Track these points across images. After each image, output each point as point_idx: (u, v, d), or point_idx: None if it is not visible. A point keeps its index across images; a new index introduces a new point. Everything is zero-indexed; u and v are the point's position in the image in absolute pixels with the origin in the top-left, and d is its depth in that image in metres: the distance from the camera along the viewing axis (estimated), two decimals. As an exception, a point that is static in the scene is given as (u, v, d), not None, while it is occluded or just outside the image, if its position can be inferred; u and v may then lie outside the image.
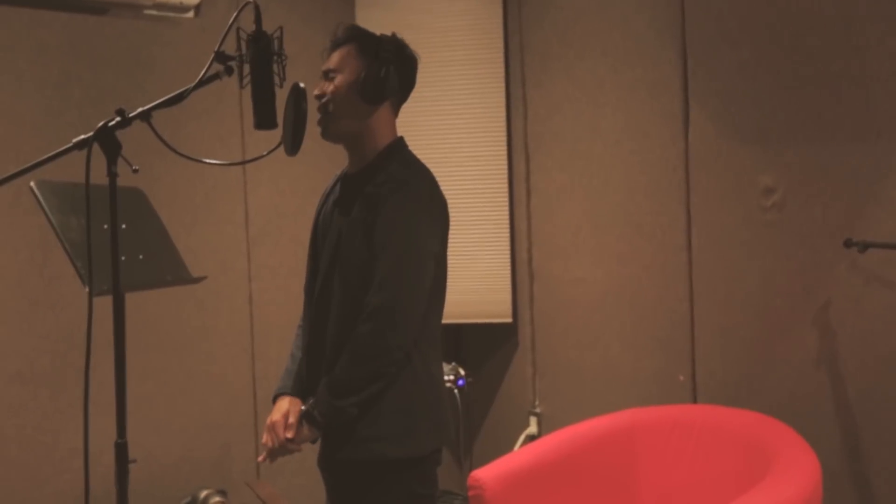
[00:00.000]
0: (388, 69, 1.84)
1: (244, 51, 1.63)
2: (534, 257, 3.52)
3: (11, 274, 2.96)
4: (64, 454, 2.99)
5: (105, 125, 1.58)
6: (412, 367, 1.81)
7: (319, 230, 1.97)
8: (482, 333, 3.72)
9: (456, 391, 3.29)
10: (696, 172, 2.83)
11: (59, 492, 2.97)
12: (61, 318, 2.98)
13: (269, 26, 1.61)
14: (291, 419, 1.82)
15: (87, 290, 1.69)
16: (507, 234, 3.57)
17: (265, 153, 1.78)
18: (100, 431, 1.74)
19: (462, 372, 3.18)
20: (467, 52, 3.58)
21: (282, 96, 1.69)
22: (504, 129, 3.57)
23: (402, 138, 1.95)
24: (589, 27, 3.22)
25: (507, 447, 3.51)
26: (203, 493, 2.84)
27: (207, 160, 1.75)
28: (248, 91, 1.63)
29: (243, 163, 1.88)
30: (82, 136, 1.58)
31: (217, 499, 2.82)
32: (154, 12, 3.21)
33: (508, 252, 3.57)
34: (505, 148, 3.57)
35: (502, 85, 3.56)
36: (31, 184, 2.04)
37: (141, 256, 2.26)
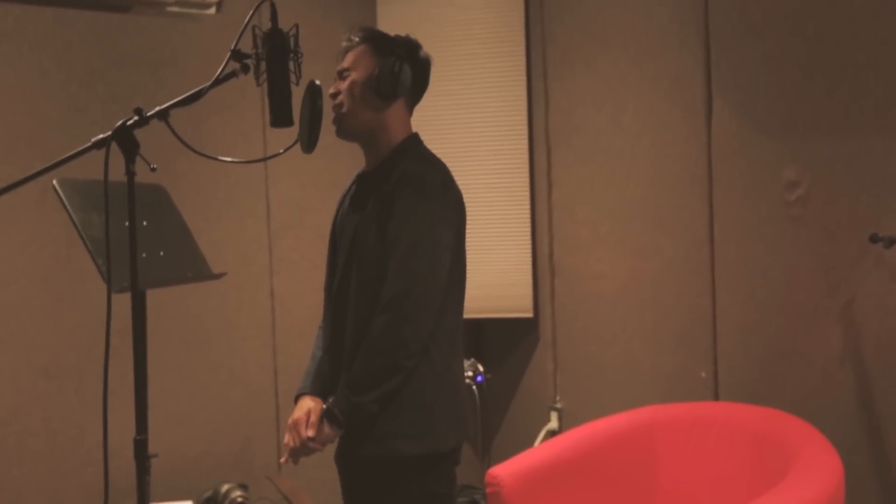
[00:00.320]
0: (402, 65, 1.85)
1: (260, 48, 1.64)
2: (555, 252, 3.50)
3: (37, 270, 3.01)
4: (90, 447, 3.03)
5: (123, 124, 1.59)
6: (430, 361, 1.80)
7: (337, 230, 1.98)
8: (503, 328, 3.71)
9: (474, 387, 3.29)
10: (719, 166, 2.79)
11: (85, 484, 3.02)
12: (86, 313, 3.02)
13: (289, 21, 1.61)
14: (313, 418, 1.81)
15: (110, 286, 1.70)
16: (529, 229, 3.56)
17: (282, 151, 1.79)
18: (124, 426, 1.75)
19: (481, 368, 3.18)
20: (488, 45, 3.56)
21: (298, 94, 1.69)
22: (525, 122, 3.55)
23: (416, 134, 1.95)
24: (611, 19, 3.18)
25: (528, 442, 3.50)
26: (224, 487, 2.87)
27: (223, 158, 1.76)
28: (267, 88, 1.63)
29: (260, 160, 1.90)
30: (101, 136, 1.59)
31: (238, 493, 2.85)
32: (176, 9, 3.23)
33: (530, 247, 3.56)
34: (526, 142, 3.55)
35: (524, 78, 3.54)
36: (54, 182, 2.07)
37: (162, 253, 2.28)
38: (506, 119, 3.56)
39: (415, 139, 1.94)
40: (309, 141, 1.78)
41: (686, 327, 2.92)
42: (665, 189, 2.99)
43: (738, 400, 2.68)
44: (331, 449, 2.00)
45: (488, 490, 2.30)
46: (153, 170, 1.62)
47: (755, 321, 2.68)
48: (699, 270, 2.86)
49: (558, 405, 3.49)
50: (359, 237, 1.86)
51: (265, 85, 1.63)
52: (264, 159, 1.92)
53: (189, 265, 2.35)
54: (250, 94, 3.28)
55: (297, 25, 1.65)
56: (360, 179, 1.97)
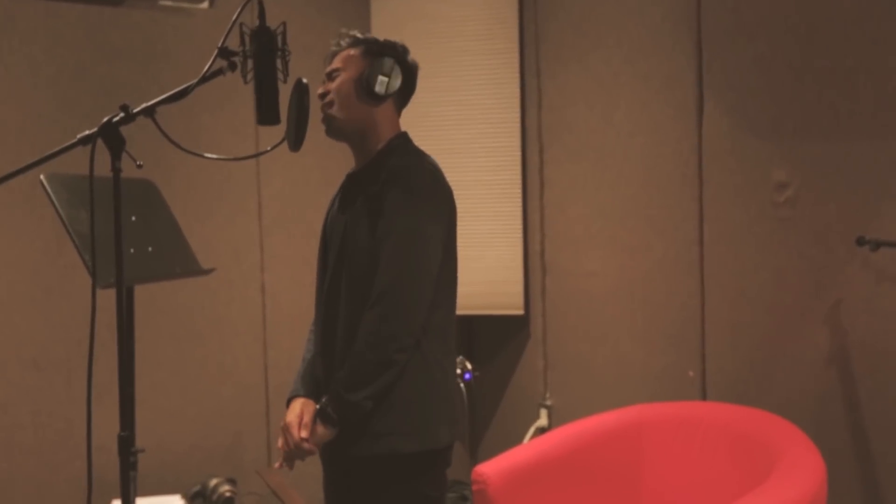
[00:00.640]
0: (394, 66, 1.85)
1: (247, 46, 1.63)
2: (546, 250, 3.50)
3: (27, 263, 3.00)
4: (78, 441, 3.03)
5: (109, 121, 1.59)
6: (423, 358, 1.79)
7: (328, 230, 1.97)
8: (494, 325, 3.72)
9: (462, 385, 3.30)
10: (710, 166, 2.79)
11: (74, 477, 3.03)
12: (76, 307, 3.02)
13: (283, 16, 1.60)
14: (306, 419, 1.79)
15: (95, 282, 1.70)
16: (521, 226, 3.56)
17: (269, 149, 1.78)
18: (114, 420, 1.74)
19: (469, 366, 3.18)
20: (482, 42, 3.56)
21: (286, 91, 1.69)
22: (518, 120, 3.55)
23: (405, 133, 1.95)
24: (604, 17, 3.18)
25: (518, 439, 3.51)
26: (213, 482, 2.87)
27: (208, 155, 1.75)
28: (257, 84, 1.63)
29: (246, 158, 1.89)
30: (86, 132, 1.58)
31: (226, 487, 2.85)
32: (169, 3, 3.22)
33: (521, 244, 3.56)
34: (519, 139, 3.55)
35: (517, 75, 3.54)
36: (42, 177, 2.07)
37: (150, 249, 2.28)
38: (499, 116, 3.56)
39: (403, 137, 1.94)
40: (296, 139, 1.78)
41: (675, 327, 2.92)
42: (656, 188, 2.99)
43: (726, 399, 2.69)
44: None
45: (474, 488, 2.30)
46: (139, 166, 1.62)
47: (743, 321, 2.69)
48: (689, 270, 2.87)
49: (548, 402, 3.50)
50: (348, 236, 1.85)
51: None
52: (250, 157, 1.91)
53: (178, 261, 2.35)
54: (242, 90, 3.23)
55: (284, 23, 1.65)
56: (350, 179, 1.97)
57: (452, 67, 3.53)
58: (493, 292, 3.58)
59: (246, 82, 1.66)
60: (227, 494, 2.85)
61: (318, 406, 1.79)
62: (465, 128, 3.57)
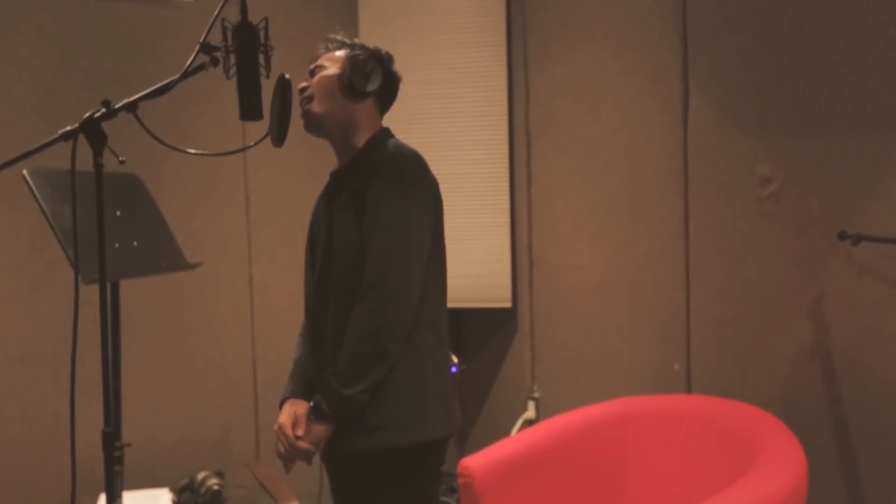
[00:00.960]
0: (375, 64, 1.84)
1: (229, 41, 1.63)
2: (534, 243, 3.51)
3: (12, 257, 2.99)
4: (66, 435, 3.02)
5: (90, 117, 1.58)
6: (415, 350, 1.77)
7: (314, 229, 1.96)
8: (482, 318, 3.73)
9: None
10: (695, 160, 2.81)
11: (61, 471, 3.03)
12: (62, 301, 3.01)
13: (269, 10, 1.59)
14: (299, 418, 1.77)
15: (78, 278, 1.69)
16: (508, 219, 3.56)
17: (252, 144, 1.78)
18: (101, 414, 1.74)
19: (455, 359, 3.18)
20: (470, 35, 3.55)
21: (270, 87, 1.69)
22: (506, 113, 3.55)
23: (387, 128, 1.94)
24: (591, 10, 3.18)
25: (506, 431, 3.53)
26: (201, 475, 2.88)
27: (190, 150, 1.74)
28: (243, 78, 1.62)
29: (229, 153, 1.88)
30: (68, 128, 1.58)
31: (214, 480, 2.86)
32: (154, -5, 3.20)
33: (509, 237, 3.57)
34: (506, 132, 3.55)
35: (504, 68, 3.54)
36: (24, 172, 2.06)
37: (135, 243, 2.27)
38: (486, 109, 3.56)
39: (385, 132, 1.92)
40: (279, 135, 1.78)
41: (661, 320, 2.94)
42: (642, 183, 3.00)
43: (710, 392, 2.71)
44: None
45: (460, 481, 2.32)
46: (121, 162, 1.61)
47: (728, 315, 2.71)
48: (674, 264, 2.88)
49: (535, 395, 3.52)
50: (335, 232, 1.83)
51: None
52: (233, 152, 1.90)
53: (163, 255, 2.34)
54: (230, 83, 3.23)
55: (266, 19, 1.64)
56: (333, 177, 1.96)
57: (440, 60, 3.52)
58: (481, 285, 3.59)
59: (228, 77, 1.65)
60: (215, 488, 2.85)
61: (310, 404, 1.77)
62: (453, 121, 3.57)
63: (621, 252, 3.10)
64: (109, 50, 3.14)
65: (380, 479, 1.77)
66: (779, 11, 2.52)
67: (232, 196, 3.41)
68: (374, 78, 1.84)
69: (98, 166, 1.60)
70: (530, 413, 3.52)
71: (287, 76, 1.78)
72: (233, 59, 1.64)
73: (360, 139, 1.89)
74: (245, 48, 1.62)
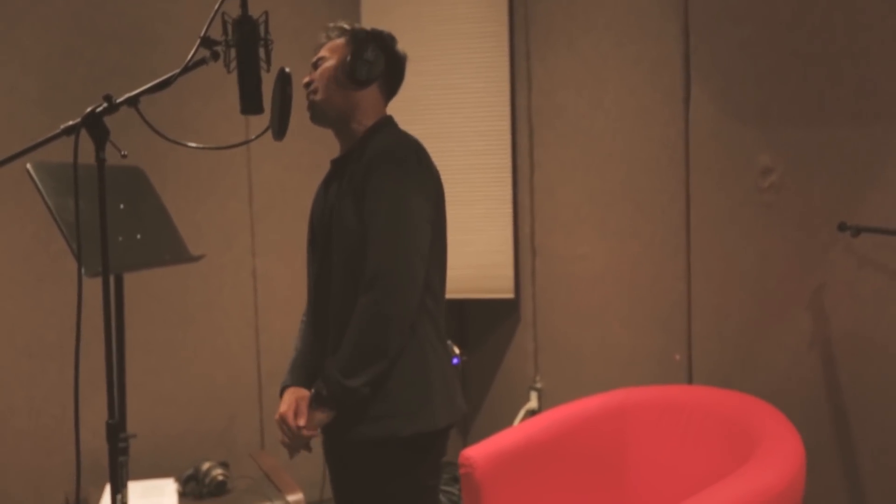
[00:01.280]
0: (377, 51, 1.84)
1: (229, 36, 1.63)
2: (536, 233, 3.52)
3: (18, 250, 3.02)
4: (72, 425, 3.06)
5: (92, 111, 1.59)
6: (417, 340, 1.78)
7: (315, 218, 1.96)
8: (485, 308, 3.74)
9: (452, 367, 3.32)
10: (696, 151, 2.81)
11: (68, 462, 3.06)
12: (68, 293, 3.04)
13: (272, 1, 1.59)
14: (301, 407, 1.78)
15: (81, 271, 1.71)
16: (511, 210, 3.57)
17: (253, 138, 1.80)
18: (106, 404, 1.76)
19: (457, 350, 3.20)
20: (472, 25, 3.55)
21: (269, 80, 1.70)
22: (508, 103, 3.55)
23: (390, 116, 1.94)
24: (593, 1, 3.17)
25: (508, 421, 3.55)
26: (205, 466, 2.90)
27: (190, 144, 1.75)
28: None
29: (230, 147, 1.90)
30: (70, 123, 1.59)
31: (219, 471, 2.88)
32: (156, -13, 3.21)
33: (511, 227, 3.58)
34: (509, 122, 3.56)
35: (507, 58, 3.54)
36: (28, 166, 2.07)
37: (139, 236, 2.29)
38: (489, 99, 3.56)
39: (387, 120, 1.92)
40: (280, 128, 1.79)
41: (662, 310, 2.95)
42: (643, 172, 3.00)
43: (711, 382, 2.72)
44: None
45: (461, 471, 2.33)
46: (124, 156, 1.62)
47: (729, 305, 2.72)
48: (675, 254, 2.89)
49: (538, 385, 3.54)
50: (335, 219, 1.83)
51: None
52: (233, 146, 1.92)
53: (167, 248, 2.36)
54: (232, 75, 3.27)
55: (266, 12, 1.65)
56: (334, 164, 1.97)
57: (442, 51, 3.52)
58: (484, 275, 3.60)
59: (229, 72, 1.66)
60: (220, 478, 2.88)
61: (312, 391, 1.78)
62: (456, 111, 3.57)
63: (623, 242, 3.10)
64: (113, 41, 3.15)
65: (381, 469, 1.78)
66: (780, 2, 2.51)
67: (235, 188, 3.42)
68: (375, 64, 1.84)
69: (100, 161, 1.61)
70: (533, 403, 3.54)
71: (287, 70, 1.78)
72: (233, 53, 1.65)
73: (364, 126, 1.89)
74: (245, 42, 1.63)
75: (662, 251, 2.94)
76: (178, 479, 2.91)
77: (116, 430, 1.68)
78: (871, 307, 2.31)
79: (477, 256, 3.58)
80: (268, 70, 1.67)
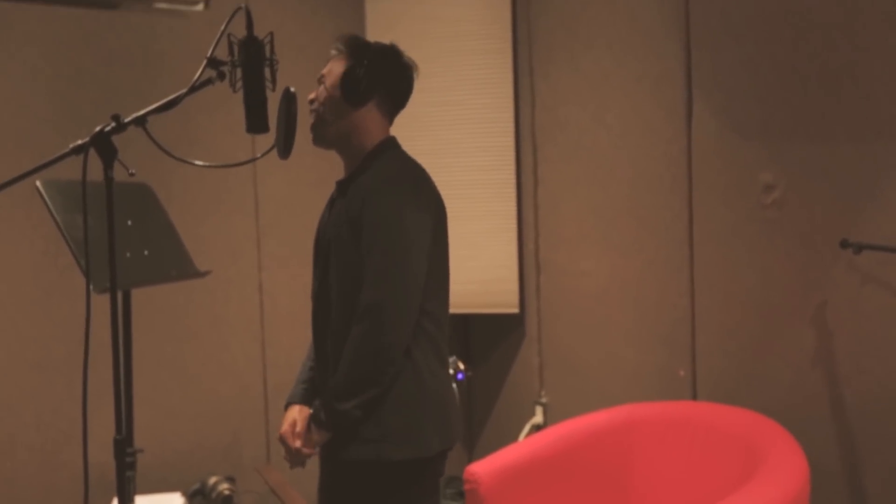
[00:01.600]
0: (364, 69, 1.83)
1: (235, 56, 1.66)
2: (540, 248, 3.53)
3: (27, 265, 3.05)
4: (80, 440, 3.07)
5: (101, 131, 1.62)
6: (414, 365, 1.79)
7: (318, 238, 1.98)
8: (490, 323, 3.75)
9: (454, 385, 3.32)
10: (699, 167, 2.82)
11: (77, 476, 3.07)
12: (76, 307, 3.05)
13: (278, 17, 1.62)
14: (299, 428, 1.84)
15: (90, 287, 1.74)
16: (515, 225, 3.59)
17: (259, 156, 1.82)
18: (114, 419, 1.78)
19: (461, 366, 3.20)
20: (476, 42, 3.58)
21: (274, 100, 1.72)
22: (512, 119, 3.57)
23: (393, 138, 1.94)
24: (595, 18, 3.20)
25: (514, 436, 3.55)
26: (212, 480, 2.92)
27: (197, 162, 1.78)
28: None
29: (236, 165, 1.92)
30: (79, 142, 1.62)
31: (225, 485, 2.90)
32: (164, 5, 3.25)
33: (516, 243, 3.59)
34: (512, 138, 3.58)
35: (510, 75, 3.57)
36: (37, 183, 2.11)
37: (146, 252, 2.31)
38: (492, 115, 3.59)
39: (389, 142, 1.92)
40: (285, 147, 1.80)
41: (666, 326, 2.96)
42: (646, 188, 3.02)
43: (715, 398, 2.72)
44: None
45: (466, 487, 2.34)
46: (131, 175, 1.65)
47: (732, 321, 2.72)
48: (679, 270, 2.90)
49: (543, 400, 3.54)
50: (334, 243, 1.86)
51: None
52: (239, 164, 1.94)
53: (173, 264, 2.38)
54: (238, 92, 3.30)
55: (271, 33, 1.68)
56: (338, 186, 1.99)
57: (446, 67, 3.55)
58: (489, 291, 3.61)
59: (234, 91, 1.69)
60: (226, 492, 2.89)
61: (311, 412, 1.83)
62: (460, 127, 3.60)
63: (626, 257, 3.11)
64: (121, 60, 3.19)
65: (373, 489, 1.80)
66: (781, 20, 2.53)
67: (241, 203, 3.45)
68: (369, 82, 1.84)
69: (108, 179, 1.63)
70: (538, 418, 3.54)
71: (292, 90, 1.80)
72: (239, 73, 1.68)
73: (364, 147, 1.89)
74: (251, 63, 1.66)
75: (666, 267, 2.95)
76: (184, 494, 2.92)
77: (124, 446, 1.70)
78: (874, 324, 2.32)
79: (481, 271, 3.59)
80: (273, 89, 1.69)
